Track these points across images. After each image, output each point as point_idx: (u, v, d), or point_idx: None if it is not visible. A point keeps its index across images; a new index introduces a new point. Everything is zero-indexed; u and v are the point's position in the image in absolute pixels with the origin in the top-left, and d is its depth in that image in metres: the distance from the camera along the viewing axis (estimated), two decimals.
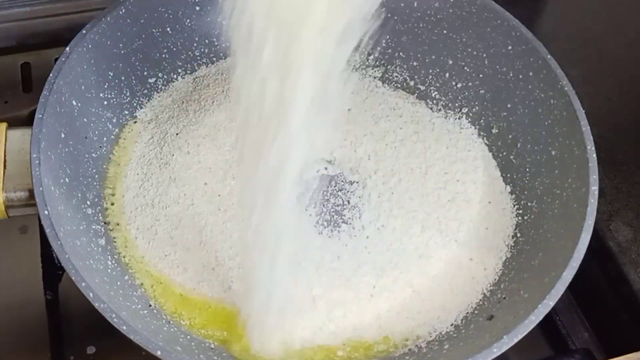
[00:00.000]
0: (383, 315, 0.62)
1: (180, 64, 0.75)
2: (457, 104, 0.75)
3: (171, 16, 0.72)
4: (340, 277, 0.63)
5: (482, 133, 0.73)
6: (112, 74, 0.68)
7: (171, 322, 0.59)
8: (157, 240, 0.63)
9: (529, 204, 0.67)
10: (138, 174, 0.67)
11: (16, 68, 0.84)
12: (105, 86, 0.68)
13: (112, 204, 0.65)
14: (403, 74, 0.77)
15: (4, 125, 0.63)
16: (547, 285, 0.56)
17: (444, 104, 0.75)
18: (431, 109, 0.75)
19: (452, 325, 0.62)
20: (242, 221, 0.55)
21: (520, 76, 0.70)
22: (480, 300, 0.63)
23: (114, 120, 0.69)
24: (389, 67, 0.77)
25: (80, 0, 0.85)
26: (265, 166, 0.48)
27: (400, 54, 0.77)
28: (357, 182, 0.69)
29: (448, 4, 0.73)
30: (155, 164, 0.67)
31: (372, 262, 0.64)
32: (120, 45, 0.69)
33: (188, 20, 0.74)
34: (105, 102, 0.68)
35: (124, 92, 0.70)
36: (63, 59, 0.62)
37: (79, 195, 0.62)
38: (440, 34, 0.75)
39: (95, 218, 0.63)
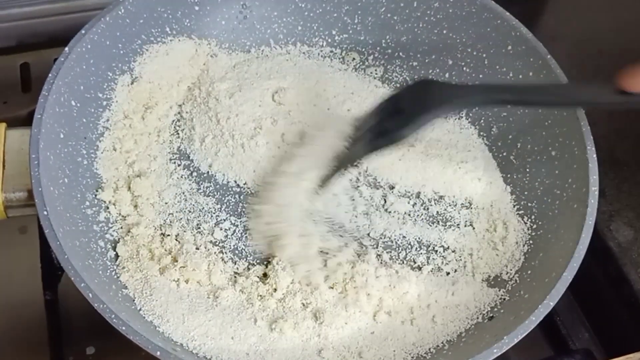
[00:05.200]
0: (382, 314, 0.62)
1: None
2: None
3: (170, 16, 0.72)
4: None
5: (482, 133, 0.73)
6: (111, 74, 0.68)
7: None
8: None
9: (529, 204, 0.67)
10: None
11: (15, 68, 0.84)
12: (105, 86, 0.68)
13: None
14: (403, 74, 0.77)
15: (3, 125, 0.63)
16: (548, 286, 0.56)
17: None
18: None
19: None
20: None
21: (520, 76, 0.70)
22: None
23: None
24: (388, 67, 0.77)
25: (79, 0, 0.85)
26: None
27: (400, 54, 0.77)
28: (356, 182, 0.69)
29: (448, 4, 0.73)
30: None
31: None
32: (120, 45, 0.68)
33: (187, 21, 0.74)
34: (105, 103, 0.67)
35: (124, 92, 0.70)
36: (62, 59, 0.62)
37: (78, 195, 0.62)
38: (440, 34, 0.75)
39: (95, 218, 0.62)
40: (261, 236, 0.63)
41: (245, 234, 0.65)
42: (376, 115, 0.56)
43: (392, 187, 0.68)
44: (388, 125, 0.55)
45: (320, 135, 0.65)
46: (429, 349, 0.59)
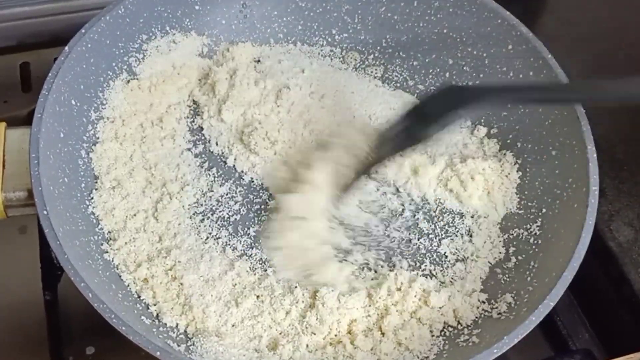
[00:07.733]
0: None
1: None
2: None
3: (171, 15, 0.72)
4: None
5: None
6: (111, 74, 0.68)
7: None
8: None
9: (529, 204, 0.67)
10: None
11: (15, 68, 0.84)
12: (105, 85, 0.68)
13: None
14: (403, 73, 0.77)
15: (3, 124, 0.63)
16: (548, 286, 0.56)
17: None
18: None
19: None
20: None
21: (521, 76, 0.70)
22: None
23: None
24: (389, 66, 0.77)
25: (79, 0, 0.85)
26: None
27: (400, 53, 0.77)
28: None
29: (448, 3, 0.73)
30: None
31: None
32: (120, 44, 0.69)
33: (188, 20, 0.74)
34: (105, 102, 0.67)
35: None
36: (62, 59, 0.62)
37: (78, 195, 0.62)
38: (440, 33, 0.74)
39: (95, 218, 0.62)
40: (290, 265, 0.62)
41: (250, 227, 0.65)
42: (403, 120, 0.60)
43: (397, 189, 0.68)
44: (414, 126, 0.58)
45: (339, 142, 0.65)
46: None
